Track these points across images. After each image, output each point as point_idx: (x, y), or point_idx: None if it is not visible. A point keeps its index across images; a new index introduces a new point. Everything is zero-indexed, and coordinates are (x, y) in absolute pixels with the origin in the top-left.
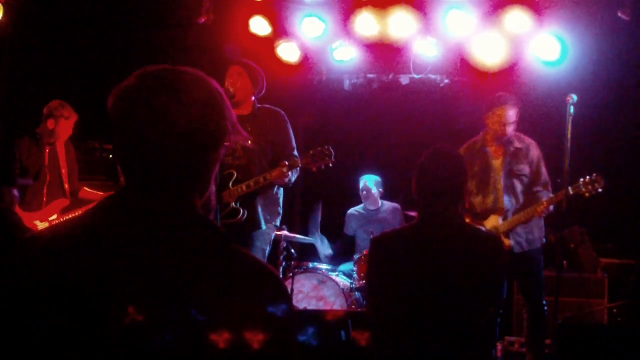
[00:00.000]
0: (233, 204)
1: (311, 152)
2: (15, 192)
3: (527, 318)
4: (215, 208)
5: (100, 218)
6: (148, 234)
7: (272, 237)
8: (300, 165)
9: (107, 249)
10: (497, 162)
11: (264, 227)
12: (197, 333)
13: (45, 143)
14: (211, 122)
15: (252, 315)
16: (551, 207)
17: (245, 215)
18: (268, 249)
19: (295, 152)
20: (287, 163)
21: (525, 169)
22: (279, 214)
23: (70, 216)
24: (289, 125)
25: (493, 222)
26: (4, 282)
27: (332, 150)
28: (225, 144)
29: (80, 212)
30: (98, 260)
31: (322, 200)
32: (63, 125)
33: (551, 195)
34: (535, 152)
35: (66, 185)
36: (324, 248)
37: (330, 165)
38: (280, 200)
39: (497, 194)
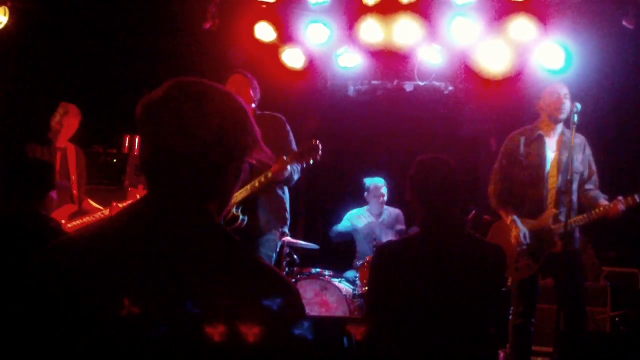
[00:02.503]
0: (233, 210)
1: (299, 149)
2: (54, 194)
3: (563, 325)
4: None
5: (122, 223)
6: (161, 239)
7: (279, 244)
8: (289, 163)
9: (124, 251)
10: (552, 155)
11: (265, 234)
12: (192, 325)
13: (56, 149)
14: (232, 135)
15: (246, 308)
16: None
17: (245, 222)
18: (274, 255)
19: None
20: (286, 156)
21: (580, 166)
22: (286, 219)
23: (83, 220)
24: (289, 129)
25: (547, 218)
26: (31, 281)
27: (319, 144)
28: (248, 160)
29: (86, 219)
30: (113, 262)
31: None
32: (65, 121)
33: (602, 195)
34: (588, 149)
35: (75, 192)
36: None
37: (318, 158)
38: (287, 205)
39: (550, 189)
